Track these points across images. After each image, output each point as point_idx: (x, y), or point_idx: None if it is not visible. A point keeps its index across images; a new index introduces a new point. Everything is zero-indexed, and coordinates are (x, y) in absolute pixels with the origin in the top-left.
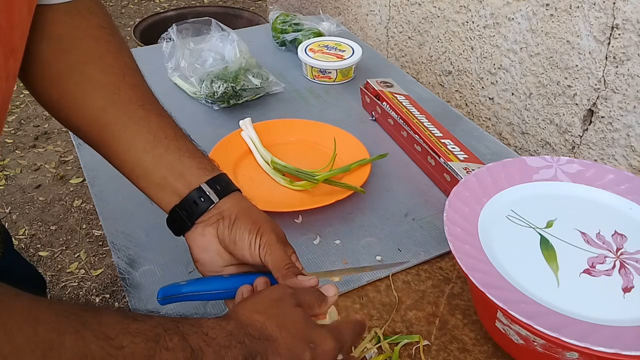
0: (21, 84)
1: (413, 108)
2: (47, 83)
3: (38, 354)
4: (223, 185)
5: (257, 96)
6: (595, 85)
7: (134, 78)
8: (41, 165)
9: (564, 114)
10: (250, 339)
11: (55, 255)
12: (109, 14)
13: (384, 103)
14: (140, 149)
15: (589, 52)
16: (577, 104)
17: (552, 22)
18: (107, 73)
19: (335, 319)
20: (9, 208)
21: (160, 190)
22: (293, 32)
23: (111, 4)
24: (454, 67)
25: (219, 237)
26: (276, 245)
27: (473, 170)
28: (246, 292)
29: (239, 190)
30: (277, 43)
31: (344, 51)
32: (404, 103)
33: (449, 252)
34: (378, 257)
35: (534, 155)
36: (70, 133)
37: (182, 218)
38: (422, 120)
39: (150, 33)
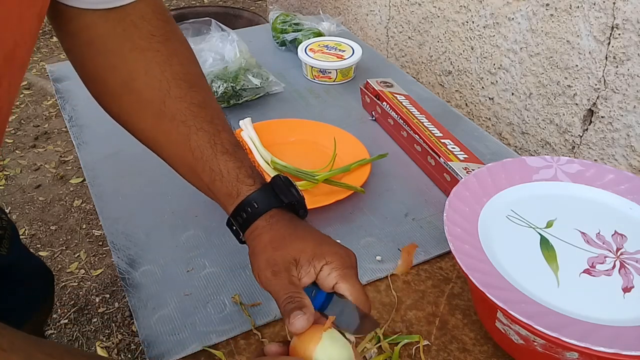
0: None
1: (413, 108)
2: (106, 100)
3: None
4: (244, 215)
5: (257, 96)
6: (595, 85)
7: (179, 89)
8: (41, 165)
9: (564, 114)
10: None
11: (55, 255)
12: (166, 16)
13: (384, 103)
14: (184, 170)
15: (589, 52)
16: (577, 104)
17: (552, 22)
18: (153, 88)
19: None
20: (9, 208)
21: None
22: (293, 32)
23: None
24: (454, 67)
25: None
26: (272, 281)
27: (473, 170)
28: None
29: (276, 205)
30: (277, 43)
31: (344, 51)
32: (404, 103)
33: (449, 252)
34: (378, 257)
35: (534, 155)
36: (70, 133)
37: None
38: (422, 120)
39: None
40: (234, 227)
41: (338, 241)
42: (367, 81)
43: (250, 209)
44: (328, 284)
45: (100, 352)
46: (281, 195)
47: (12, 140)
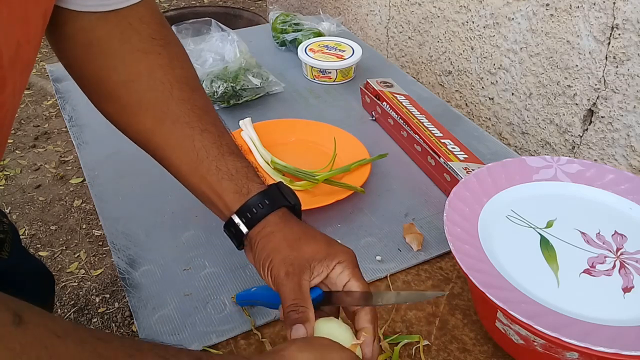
0: None
1: (413, 108)
2: (103, 101)
3: None
4: (254, 211)
5: (257, 96)
6: (595, 85)
7: (182, 92)
8: (41, 165)
9: (564, 114)
10: None
11: (55, 255)
12: (163, 20)
13: (384, 103)
14: (185, 170)
15: (589, 52)
16: (577, 104)
17: (552, 22)
18: (156, 90)
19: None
20: (9, 208)
21: (211, 207)
22: (293, 32)
23: None
24: (454, 67)
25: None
26: (285, 281)
27: (473, 170)
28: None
29: (286, 204)
30: (277, 43)
31: (344, 51)
32: (404, 103)
33: (449, 252)
34: (378, 257)
35: (534, 155)
36: (70, 133)
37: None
38: (422, 120)
39: None
40: (232, 230)
41: (337, 241)
42: (367, 81)
43: (261, 205)
44: (340, 281)
45: None
46: (287, 197)
47: (12, 140)
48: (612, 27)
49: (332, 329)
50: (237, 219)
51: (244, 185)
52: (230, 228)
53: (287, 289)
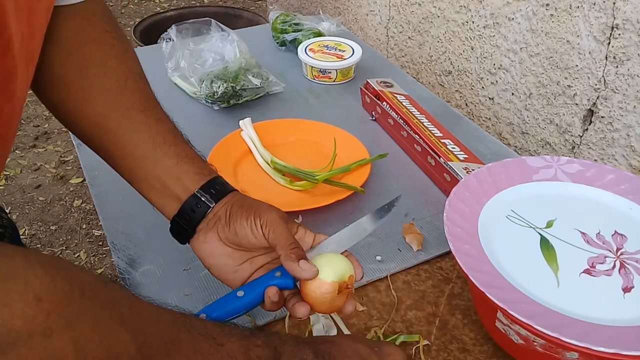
0: None
1: (413, 108)
2: (52, 87)
3: (162, 348)
4: (218, 188)
5: (257, 96)
6: (595, 85)
7: (136, 83)
8: (41, 165)
9: (564, 114)
10: (315, 344)
11: (56, 255)
12: (114, 16)
13: (384, 103)
14: (139, 154)
15: (589, 52)
16: (577, 104)
17: (552, 22)
18: (110, 78)
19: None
20: (9, 208)
21: (160, 196)
22: (293, 32)
23: (111, 4)
24: (454, 67)
25: (221, 238)
26: (278, 222)
27: (473, 170)
28: (273, 295)
29: (236, 190)
30: (277, 43)
31: (344, 51)
32: (404, 103)
33: (449, 252)
34: (378, 257)
35: (534, 155)
36: (71, 133)
37: (183, 227)
38: (422, 120)
39: (150, 33)
40: (186, 217)
41: None
42: (367, 81)
43: (223, 183)
44: (309, 239)
45: None
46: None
47: None
48: (612, 27)
49: (331, 258)
50: (201, 194)
51: (204, 167)
52: (188, 212)
53: (285, 230)
